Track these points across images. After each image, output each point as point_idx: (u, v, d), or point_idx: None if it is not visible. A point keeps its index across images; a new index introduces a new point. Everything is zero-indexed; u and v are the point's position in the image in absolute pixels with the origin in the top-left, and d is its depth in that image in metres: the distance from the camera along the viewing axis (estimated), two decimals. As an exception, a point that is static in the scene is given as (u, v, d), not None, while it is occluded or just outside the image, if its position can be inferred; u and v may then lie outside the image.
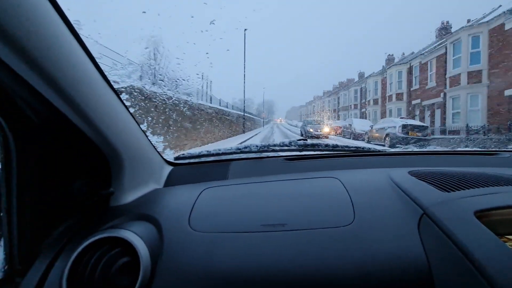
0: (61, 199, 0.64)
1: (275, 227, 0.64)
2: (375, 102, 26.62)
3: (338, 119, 33.05)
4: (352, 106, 34.35)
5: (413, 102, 20.49)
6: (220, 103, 16.39)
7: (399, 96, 22.12)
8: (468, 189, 0.66)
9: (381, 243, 0.58)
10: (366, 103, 28.87)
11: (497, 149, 1.10)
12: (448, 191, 0.66)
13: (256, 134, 21.92)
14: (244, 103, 24.24)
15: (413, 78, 20.93)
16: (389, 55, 31.02)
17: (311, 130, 17.60)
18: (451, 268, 0.50)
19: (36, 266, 0.56)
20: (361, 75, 39.17)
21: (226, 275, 0.56)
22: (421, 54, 19.99)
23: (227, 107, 18.24)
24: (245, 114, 24.04)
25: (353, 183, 0.79)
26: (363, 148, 1.16)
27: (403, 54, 28.15)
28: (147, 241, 0.59)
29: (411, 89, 21.02)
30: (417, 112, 19.92)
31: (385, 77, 24.69)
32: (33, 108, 0.54)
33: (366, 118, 25.99)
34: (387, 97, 23.80)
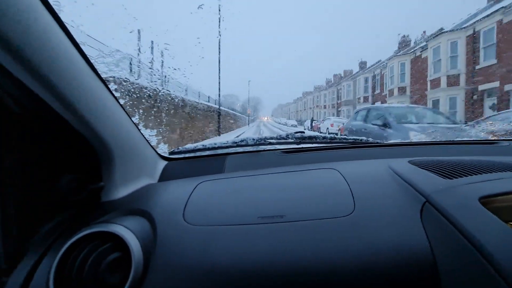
0: (49, 195, 0.61)
1: (273, 219, 0.62)
2: (401, 91, 20.09)
3: (338, 116, 29.81)
4: (362, 99, 27.35)
5: (481, 87, 13.40)
6: (199, 96, 13.87)
7: (452, 80, 15.02)
8: (472, 175, 0.64)
9: (382, 232, 0.56)
10: (388, 93, 21.87)
11: (497, 138, 1.11)
12: (451, 178, 0.64)
13: (237, 136, 19.16)
14: (219, 89, 17.61)
15: (480, 49, 13.69)
16: (403, 36, 26.01)
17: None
18: (457, 257, 0.48)
19: (23, 264, 0.54)
20: (362, 65, 33.90)
21: (223, 268, 0.54)
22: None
23: (208, 102, 15.50)
24: (224, 108, 19.16)
25: (352, 173, 0.77)
26: (361, 139, 1.16)
27: (424, 33, 22.91)
28: (139, 236, 0.57)
29: (477, 67, 13.67)
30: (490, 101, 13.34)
31: (419, 55, 18.41)
32: (12, 96, 0.50)
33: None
34: (429, 82, 16.49)
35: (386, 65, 23.00)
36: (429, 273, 0.50)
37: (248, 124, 42.04)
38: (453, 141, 1.14)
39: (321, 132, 18.52)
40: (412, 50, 20.40)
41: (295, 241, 0.57)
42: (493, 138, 1.10)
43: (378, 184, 0.71)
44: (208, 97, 16.71)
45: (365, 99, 26.93)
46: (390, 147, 1.10)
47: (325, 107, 40.12)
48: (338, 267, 0.52)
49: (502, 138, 1.10)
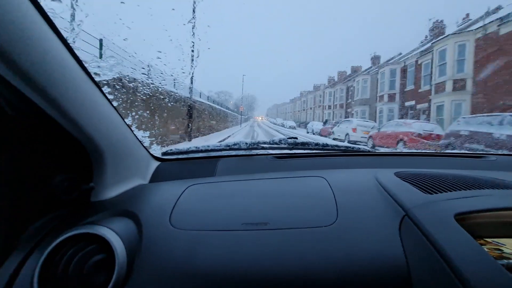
0: (41, 194, 0.62)
1: (257, 226, 0.63)
2: (459, 85, 13.67)
3: (347, 117, 23.86)
4: (386, 97, 20.10)
5: None
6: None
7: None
8: (451, 191, 0.66)
9: (361, 244, 0.58)
10: (434, 88, 15.23)
11: (484, 152, 1.13)
12: (431, 193, 0.66)
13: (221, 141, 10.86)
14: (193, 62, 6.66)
15: None
16: (436, 21, 19.90)
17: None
18: (428, 270, 0.50)
19: (10, 260, 0.55)
20: (375, 60, 28.82)
21: (206, 274, 0.55)
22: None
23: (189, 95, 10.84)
24: (201, 100, 13.30)
25: (339, 182, 0.79)
26: (352, 148, 1.17)
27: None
28: (124, 238, 0.58)
29: None
30: None
31: (495, 31, 12.23)
32: (6, 99, 0.52)
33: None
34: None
35: (430, 51, 16.05)
36: (403, 283, 0.53)
37: (241, 124, 36.36)
38: (441, 153, 1.16)
39: (335, 139, 14.36)
40: (481, 26, 13.28)
41: (278, 249, 0.58)
42: (481, 153, 1.12)
43: (362, 195, 0.72)
44: (200, 93, 14.37)
45: (391, 98, 20.07)
46: (379, 157, 1.11)
47: (329, 107, 33.50)
48: (318, 276, 0.54)
49: (490, 153, 1.12)
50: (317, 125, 24.69)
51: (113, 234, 0.57)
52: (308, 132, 25.66)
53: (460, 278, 0.44)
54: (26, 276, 0.52)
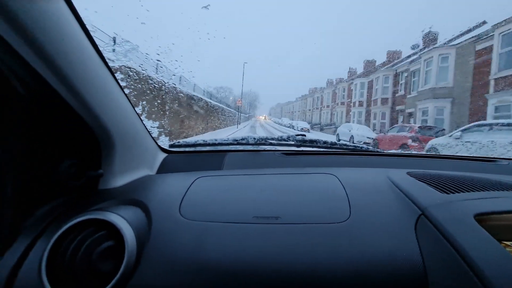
0: (47, 178, 0.61)
1: (268, 220, 0.62)
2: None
3: (397, 123, 16.77)
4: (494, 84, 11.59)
5: None
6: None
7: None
8: (469, 192, 0.65)
9: (375, 241, 0.57)
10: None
11: (496, 157, 1.11)
12: (448, 193, 0.65)
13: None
14: None
15: None
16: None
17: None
18: (447, 270, 0.49)
19: (15, 246, 0.54)
20: (431, 37, 20.45)
21: (215, 265, 0.54)
22: None
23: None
24: (176, 87, 9.07)
25: (351, 180, 0.78)
26: (361, 147, 1.16)
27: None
28: (134, 226, 0.57)
29: None
30: None
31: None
32: (19, 78, 0.51)
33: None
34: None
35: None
36: (419, 284, 0.51)
37: (238, 124, 27.21)
38: (452, 155, 1.14)
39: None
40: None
41: (289, 243, 0.57)
42: (492, 156, 1.10)
43: (375, 193, 0.71)
44: (194, 85, 12.53)
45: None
46: (389, 157, 1.10)
47: (360, 104, 24.46)
48: (330, 272, 0.53)
49: (502, 157, 1.10)
50: (362, 130, 15.61)
51: (122, 220, 0.55)
52: (340, 140, 15.00)
53: (482, 279, 0.42)
54: (33, 263, 0.51)
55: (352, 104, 26.43)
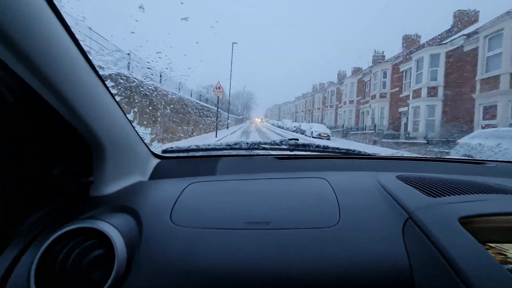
0: (38, 186, 0.61)
1: (259, 225, 0.63)
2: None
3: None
4: None
5: None
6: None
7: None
8: (454, 195, 0.66)
9: (364, 245, 0.58)
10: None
11: (485, 159, 1.13)
12: (434, 196, 0.66)
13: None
14: None
15: None
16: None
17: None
18: (432, 272, 0.50)
19: (5, 255, 0.53)
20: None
21: (206, 271, 0.54)
22: None
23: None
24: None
25: (341, 184, 0.79)
26: (353, 151, 1.17)
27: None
28: (124, 234, 0.57)
29: None
30: None
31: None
32: (6, 85, 0.51)
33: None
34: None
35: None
36: (406, 285, 0.53)
37: (228, 127, 21.49)
38: (441, 158, 1.16)
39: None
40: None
41: (280, 249, 0.58)
42: (481, 159, 1.12)
43: (364, 197, 0.72)
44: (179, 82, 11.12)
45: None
46: (380, 160, 1.12)
47: (374, 97, 19.75)
48: (320, 276, 0.54)
49: (490, 159, 1.12)
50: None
51: (113, 229, 0.56)
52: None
53: (465, 281, 0.44)
54: (22, 271, 0.51)
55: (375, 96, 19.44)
